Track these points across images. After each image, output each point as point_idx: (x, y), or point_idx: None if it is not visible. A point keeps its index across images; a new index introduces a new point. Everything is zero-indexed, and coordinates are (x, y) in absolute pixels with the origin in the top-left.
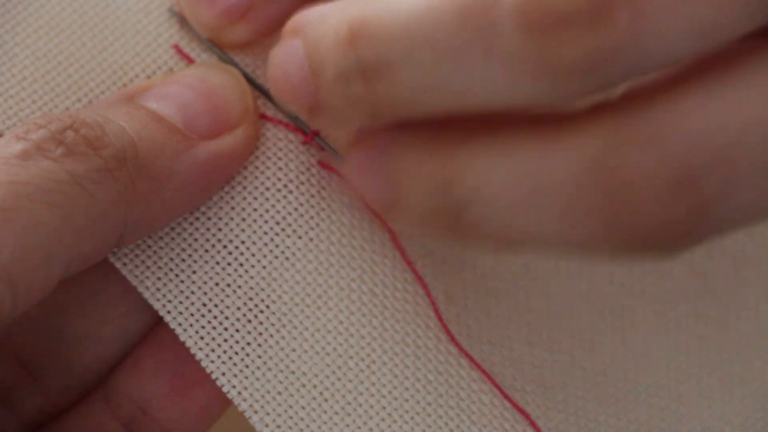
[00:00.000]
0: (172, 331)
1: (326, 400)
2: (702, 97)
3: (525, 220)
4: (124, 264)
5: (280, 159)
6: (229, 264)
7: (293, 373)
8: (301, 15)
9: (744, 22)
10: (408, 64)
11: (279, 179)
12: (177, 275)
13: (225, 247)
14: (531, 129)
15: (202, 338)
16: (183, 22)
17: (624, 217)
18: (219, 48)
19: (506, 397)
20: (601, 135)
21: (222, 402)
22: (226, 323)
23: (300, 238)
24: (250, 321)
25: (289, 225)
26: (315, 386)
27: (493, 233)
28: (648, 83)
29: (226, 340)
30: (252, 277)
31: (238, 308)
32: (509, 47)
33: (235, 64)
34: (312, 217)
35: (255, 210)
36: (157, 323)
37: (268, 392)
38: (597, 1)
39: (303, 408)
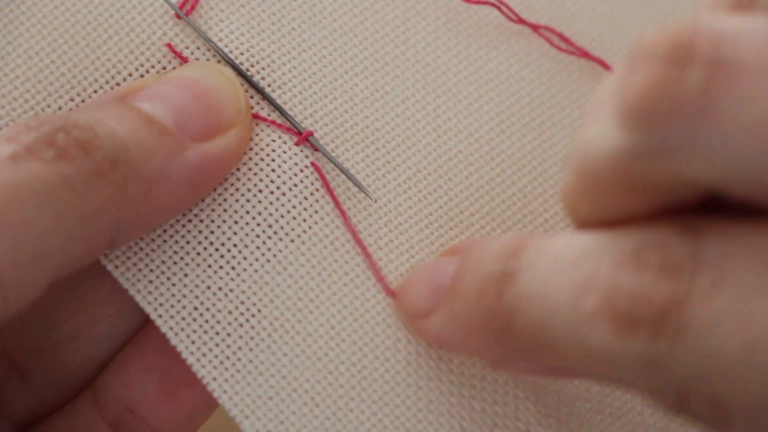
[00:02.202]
0: (161, 331)
1: (317, 405)
2: None
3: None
4: (116, 266)
5: (273, 160)
6: (221, 267)
7: (284, 378)
8: (467, 240)
9: None
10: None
11: (272, 181)
12: (168, 278)
13: (217, 250)
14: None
15: (193, 342)
16: (179, 13)
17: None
18: (215, 44)
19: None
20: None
21: (210, 403)
22: (218, 327)
23: (292, 241)
24: (241, 325)
25: (282, 228)
26: (306, 391)
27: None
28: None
29: (217, 345)
30: (243, 281)
31: (230, 312)
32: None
33: (231, 61)
34: (305, 220)
35: (247, 212)
36: (145, 323)
37: (260, 397)
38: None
39: (294, 413)
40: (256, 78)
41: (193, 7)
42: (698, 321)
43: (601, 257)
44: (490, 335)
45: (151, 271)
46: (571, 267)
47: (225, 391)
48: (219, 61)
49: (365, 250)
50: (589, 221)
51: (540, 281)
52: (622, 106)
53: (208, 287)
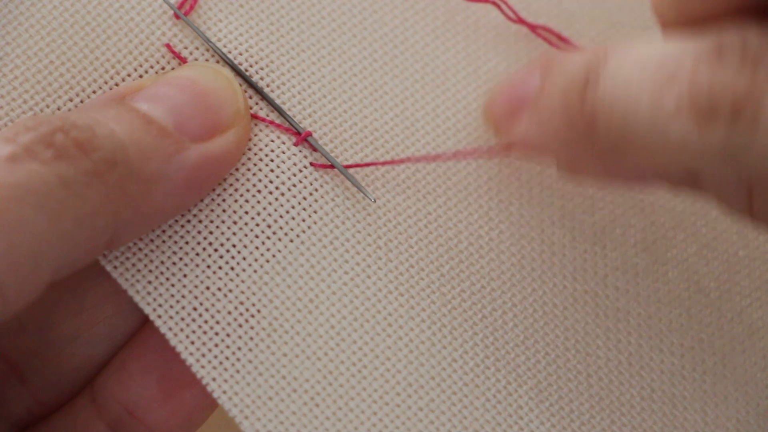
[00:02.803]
0: (160, 332)
1: (317, 405)
2: None
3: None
4: (115, 267)
5: (272, 161)
6: (220, 268)
7: (284, 378)
8: (550, 53)
9: None
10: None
11: (271, 181)
12: (167, 279)
13: (216, 250)
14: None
15: (192, 343)
16: (178, 13)
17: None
18: (214, 44)
19: None
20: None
21: (209, 404)
22: (217, 328)
23: (291, 241)
24: (240, 325)
25: (281, 228)
26: (306, 391)
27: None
28: None
29: (216, 345)
30: (243, 281)
31: (229, 312)
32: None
33: (230, 62)
34: (303, 220)
35: (246, 213)
36: (144, 324)
37: (259, 397)
38: None
39: (294, 413)
40: (255, 78)
41: (191, 7)
42: None
43: (683, 55)
44: (573, 138)
45: (150, 271)
46: (654, 66)
47: (224, 392)
48: (218, 62)
49: None
50: (674, 21)
51: (623, 82)
52: None
53: (208, 287)
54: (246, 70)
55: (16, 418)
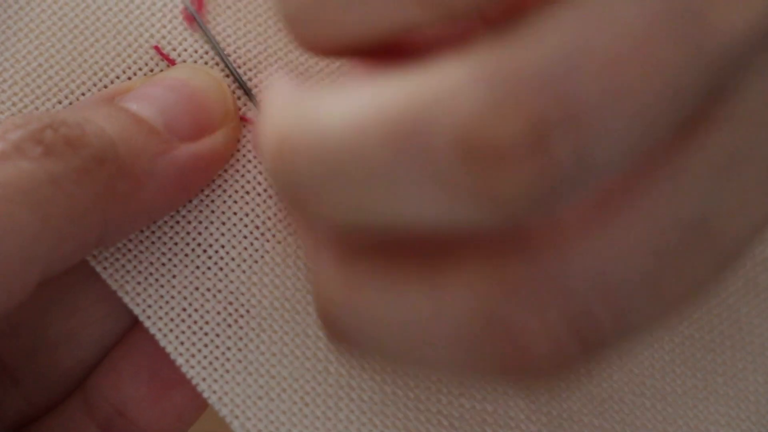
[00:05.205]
0: (149, 333)
1: (307, 405)
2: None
3: (411, 354)
4: (104, 268)
5: (261, 161)
6: (209, 268)
7: (274, 377)
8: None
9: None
10: (331, 187)
11: (260, 182)
12: (157, 279)
13: (205, 251)
14: (421, 264)
15: (182, 343)
16: (194, 15)
17: (516, 358)
18: (217, 43)
19: None
20: (489, 276)
21: (200, 405)
22: (206, 328)
23: (279, 243)
24: (230, 325)
25: (269, 229)
26: (296, 391)
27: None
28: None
29: (206, 345)
30: (232, 281)
31: (218, 312)
32: (446, 175)
33: (225, 60)
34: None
35: (235, 213)
36: (135, 324)
37: (249, 397)
38: (534, 133)
39: (284, 413)
40: (244, 78)
41: (200, 9)
42: None
43: None
44: None
45: (140, 272)
46: None
47: (215, 392)
48: (206, 63)
49: None
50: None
51: None
52: None
53: (197, 288)
54: (237, 69)
55: (9, 420)
